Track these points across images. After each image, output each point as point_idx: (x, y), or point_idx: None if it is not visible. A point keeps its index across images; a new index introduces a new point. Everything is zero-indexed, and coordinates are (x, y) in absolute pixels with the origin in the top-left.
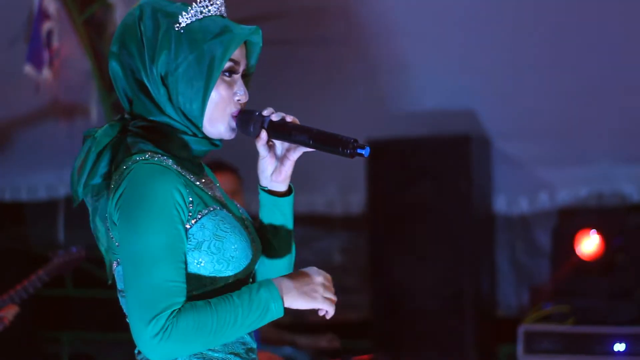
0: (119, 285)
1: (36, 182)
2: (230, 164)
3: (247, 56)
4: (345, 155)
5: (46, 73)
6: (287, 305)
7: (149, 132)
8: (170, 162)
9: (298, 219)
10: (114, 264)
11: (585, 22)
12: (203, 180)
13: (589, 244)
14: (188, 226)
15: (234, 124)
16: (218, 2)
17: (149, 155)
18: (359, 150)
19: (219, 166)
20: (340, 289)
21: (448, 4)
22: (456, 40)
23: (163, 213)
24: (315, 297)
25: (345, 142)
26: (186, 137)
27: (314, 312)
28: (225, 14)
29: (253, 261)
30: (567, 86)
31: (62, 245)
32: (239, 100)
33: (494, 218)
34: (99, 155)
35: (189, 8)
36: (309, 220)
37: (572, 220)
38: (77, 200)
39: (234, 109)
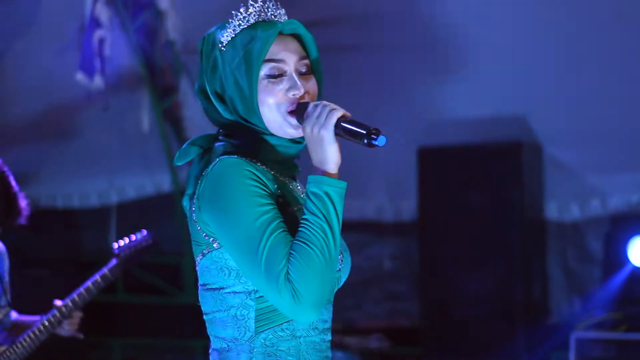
0: (201, 280)
1: (88, 188)
2: None
3: (307, 51)
4: (363, 145)
5: (98, 81)
6: (330, 168)
7: (236, 137)
8: (258, 163)
9: (349, 224)
10: (199, 257)
11: (638, 27)
12: (298, 186)
13: None
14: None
15: (293, 120)
16: (257, 7)
17: (236, 156)
18: (374, 142)
19: None
20: (390, 295)
21: (499, 11)
22: (508, 47)
23: (246, 191)
24: (326, 128)
25: (363, 133)
26: (268, 137)
27: (364, 317)
28: (269, 16)
29: (340, 273)
30: (617, 92)
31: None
32: (294, 95)
33: (545, 225)
34: (194, 165)
35: (227, 25)
36: (360, 226)
37: (624, 227)
38: (184, 211)
39: (289, 105)
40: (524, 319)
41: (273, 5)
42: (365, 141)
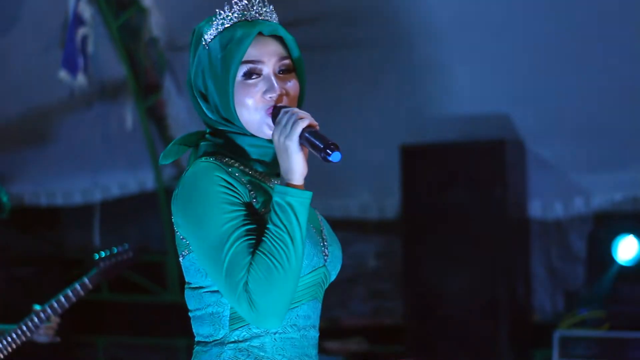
0: (185, 278)
1: (72, 186)
2: None
3: (288, 51)
4: (320, 157)
5: (81, 79)
6: (295, 179)
7: (217, 138)
8: (237, 164)
9: (332, 223)
10: (180, 258)
11: (619, 22)
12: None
13: (625, 248)
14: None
15: (270, 121)
16: (241, 6)
17: (212, 158)
18: (328, 158)
19: None
20: (375, 293)
21: (482, 9)
22: (490, 44)
23: (213, 198)
24: (291, 138)
25: (320, 147)
26: (248, 138)
27: (348, 315)
28: (253, 15)
29: (326, 268)
30: (601, 89)
31: (97, 250)
32: (270, 97)
33: (529, 223)
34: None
35: (210, 24)
36: (343, 224)
37: (607, 225)
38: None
39: (267, 107)
40: (508, 317)
41: (259, 2)
42: (322, 155)
